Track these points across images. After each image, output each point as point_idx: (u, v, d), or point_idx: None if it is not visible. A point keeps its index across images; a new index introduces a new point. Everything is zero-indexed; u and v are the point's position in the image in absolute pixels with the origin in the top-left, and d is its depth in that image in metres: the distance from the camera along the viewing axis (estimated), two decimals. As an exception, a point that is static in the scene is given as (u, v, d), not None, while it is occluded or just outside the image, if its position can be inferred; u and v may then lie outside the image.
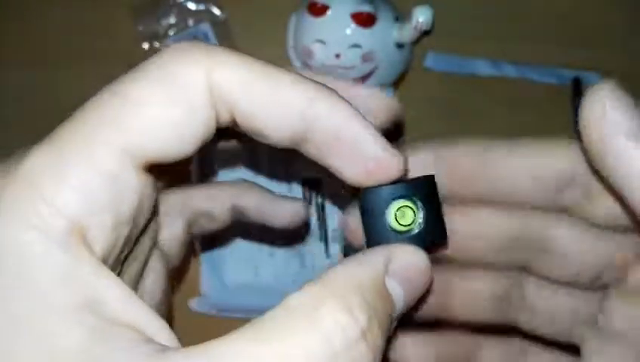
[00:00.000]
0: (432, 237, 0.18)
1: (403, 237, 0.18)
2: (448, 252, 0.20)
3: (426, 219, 0.18)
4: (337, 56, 0.37)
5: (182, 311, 0.42)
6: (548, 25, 0.43)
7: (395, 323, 0.17)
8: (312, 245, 0.41)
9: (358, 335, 0.14)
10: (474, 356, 0.22)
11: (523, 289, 0.21)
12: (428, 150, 0.19)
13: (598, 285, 0.20)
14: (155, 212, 0.20)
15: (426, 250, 0.18)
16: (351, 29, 0.37)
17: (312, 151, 0.17)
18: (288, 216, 0.25)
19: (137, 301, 0.15)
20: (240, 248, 0.41)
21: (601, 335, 0.20)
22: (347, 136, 0.17)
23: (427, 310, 0.21)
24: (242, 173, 0.41)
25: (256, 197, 0.25)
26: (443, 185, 0.19)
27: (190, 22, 0.43)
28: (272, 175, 0.41)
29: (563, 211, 0.19)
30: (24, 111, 0.43)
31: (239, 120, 0.17)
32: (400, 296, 0.16)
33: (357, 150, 0.17)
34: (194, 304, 0.42)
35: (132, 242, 0.17)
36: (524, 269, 0.21)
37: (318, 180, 0.40)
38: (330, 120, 0.17)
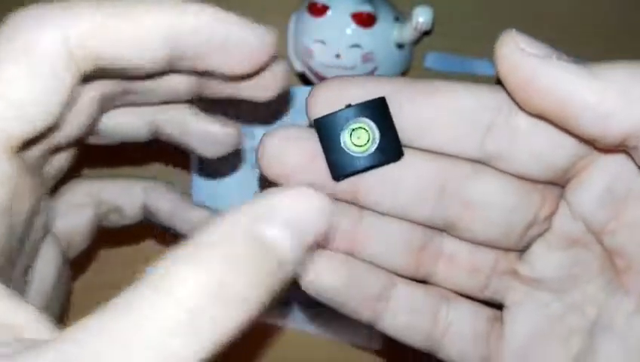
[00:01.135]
0: (387, 156, 0.19)
1: (360, 157, 0.19)
2: (361, 199, 0.19)
3: (381, 138, 0.19)
4: (337, 56, 0.37)
5: (182, 311, 0.42)
6: (548, 25, 0.43)
7: (291, 268, 0.15)
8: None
9: (215, 294, 0.14)
10: (386, 293, 0.20)
11: (442, 241, 0.20)
12: (358, 84, 0.19)
13: (523, 244, 0.20)
14: (42, 197, 0.19)
15: (382, 166, 0.19)
16: (351, 29, 0.37)
17: (188, 64, 0.18)
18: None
19: (7, 297, 0.14)
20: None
21: (526, 283, 0.20)
22: (215, 40, 0.18)
23: (338, 246, 0.20)
24: (242, 170, 0.41)
25: (170, 202, 0.24)
26: None
27: (190, 22, 0.43)
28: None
29: (485, 162, 0.19)
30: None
31: (107, 65, 0.17)
32: (286, 243, 0.15)
33: (229, 47, 0.18)
34: (194, 304, 0.42)
35: (16, 230, 0.17)
36: (444, 231, 0.20)
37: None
38: (193, 35, 0.17)
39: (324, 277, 0.20)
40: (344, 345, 0.42)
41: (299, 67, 0.40)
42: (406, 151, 0.19)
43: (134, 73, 0.18)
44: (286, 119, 0.41)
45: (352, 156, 0.19)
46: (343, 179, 0.19)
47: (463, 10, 0.43)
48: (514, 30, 0.18)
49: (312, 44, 0.38)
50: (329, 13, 0.37)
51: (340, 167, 0.19)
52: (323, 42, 0.37)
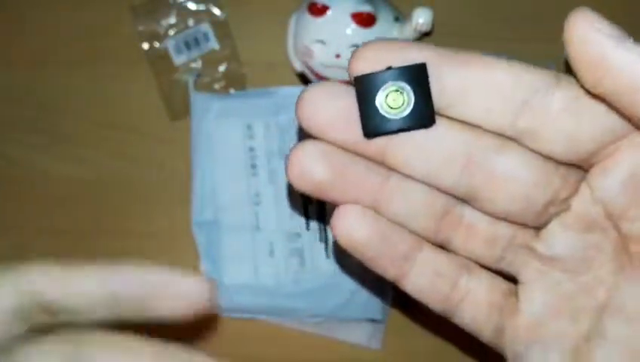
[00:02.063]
0: (420, 121, 0.19)
1: (393, 119, 0.19)
2: (389, 158, 0.20)
3: (415, 103, 0.19)
4: (337, 56, 0.37)
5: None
6: (548, 25, 0.43)
7: None
8: (312, 245, 0.41)
9: None
10: (413, 255, 0.21)
11: (463, 210, 0.21)
12: (402, 48, 0.19)
13: (541, 221, 0.21)
14: None
15: (414, 130, 0.19)
16: (351, 29, 0.37)
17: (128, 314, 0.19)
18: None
19: None
20: (240, 248, 0.41)
21: (541, 260, 0.21)
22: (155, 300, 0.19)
23: (363, 201, 0.20)
24: (242, 170, 0.41)
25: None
26: None
27: (190, 22, 0.43)
28: (272, 174, 0.41)
29: (514, 138, 0.20)
30: (23, 111, 0.43)
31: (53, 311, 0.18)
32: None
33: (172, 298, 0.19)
34: (194, 304, 0.42)
35: None
36: (466, 202, 0.21)
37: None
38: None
39: (357, 231, 0.20)
40: (344, 345, 0.42)
41: (299, 67, 0.40)
42: (439, 119, 0.19)
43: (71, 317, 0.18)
44: (284, 117, 0.41)
45: (386, 117, 0.19)
46: (373, 137, 0.19)
47: (463, 10, 0.43)
48: (586, 8, 0.18)
49: (312, 44, 0.38)
50: (329, 13, 0.37)
51: (372, 126, 0.19)
52: (323, 42, 0.37)
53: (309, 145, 0.20)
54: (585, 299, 0.20)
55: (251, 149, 0.41)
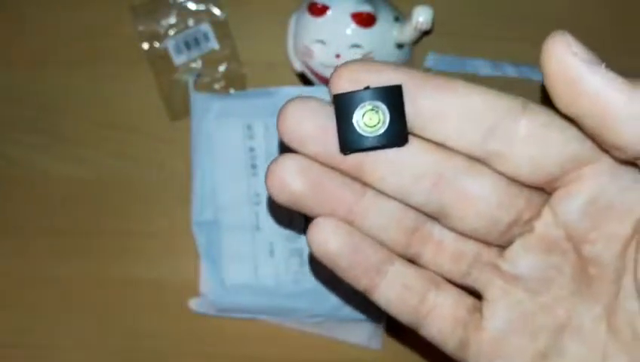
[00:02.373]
0: (394, 140, 0.20)
1: (368, 137, 0.20)
2: (365, 175, 0.21)
3: (390, 122, 0.20)
4: (337, 56, 0.37)
5: (182, 311, 0.42)
6: (548, 25, 0.43)
7: None
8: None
9: None
10: (384, 268, 0.22)
11: (433, 226, 0.22)
12: (379, 69, 0.20)
13: (505, 240, 0.22)
14: None
15: (387, 148, 0.20)
16: (351, 29, 0.37)
17: None
18: None
19: None
20: (240, 248, 0.41)
21: (506, 279, 0.22)
22: None
23: (338, 214, 0.21)
24: (242, 170, 0.41)
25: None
26: None
27: (190, 22, 0.43)
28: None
29: (482, 160, 0.21)
30: (23, 110, 0.43)
31: None
32: None
33: None
34: (194, 304, 0.42)
35: None
36: (435, 219, 0.22)
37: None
38: None
39: (331, 243, 0.22)
40: (344, 345, 0.42)
41: (299, 67, 0.40)
42: (412, 138, 0.21)
43: None
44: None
45: (362, 135, 0.20)
46: (349, 153, 0.20)
47: (463, 10, 0.43)
48: (566, 32, 0.19)
49: (312, 44, 0.38)
50: (329, 13, 0.37)
51: (348, 143, 0.20)
52: (323, 42, 0.37)
53: (288, 159, 0.21)
54: (544, 317, 0.21)
55: (251, 149, 0.41)
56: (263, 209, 0.41)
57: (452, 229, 0.22)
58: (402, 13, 0.39)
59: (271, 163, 0.21)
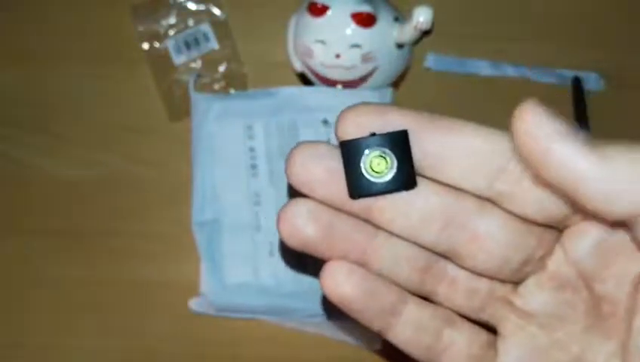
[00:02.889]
0: (402, 184, 0.20)
1: (376, 183, 0.20)
2: (376, 217, 0.21)
3: (398, 167, 0.20)
4: (337, 56, 0.37)
5: (182, 311, 0.42)
6: (548, 25, 0.43)
7: None
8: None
9: None
10: (399, 308, 0.22)
11: (446, 264, 0.22)
12: (384, 114, 0.21)
13: (517, 278, 0.22)
14: None
15: (396, 192, 0.20)
16: (351, 29, 0.37)
17: None
18: None
19: None
20: (240, 248, 0.41)
21: (520, 315, 0.22)
22: None
23: (350, 257, 0.22)
24: (242, 170, 0.41)
25: None
26: None
27: (190, 22, 0.43)
28: (272, 175, 0.41)
29: (492, 200, 0.21)
30: (23, 110, 0.43)
31: None
32: None
33: None
34: (194, 304, 0.42)
35: None
36: (447, 258, 0.22)
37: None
38: None
39: (345, 288, 0.22)
40: (344, 345, 0.42)
41: (299, 67, 0.40)
42: (420, 180, 0.21)
43: None
44: (284, 117, 0.41)
45: (370, 180, 0.20)
46: (358, 198, 0.21)
47: (462, 11, 0.43)
48: (535, 101, 0.19)
49: (312, 44, 0.38)
50: (329, 13, 0.37)
51: (357, 189, 0.20)
52: (323, 42, 0.37)
53: (298, 204, 0.21)
54: (559, 353, 0.22)
55: (251, 149, 0.41)
56: (263, 209, 0.41)
57: (464, 268, 0.22)
58: (402, 14, 0.39)
59: (282, 208, 0.21)
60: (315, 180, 0.21)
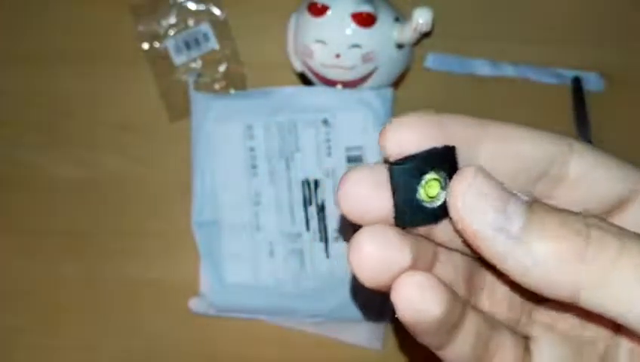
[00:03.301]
0: None
1: (428, 210, 0.18)
2: (437, 236, 0.20)
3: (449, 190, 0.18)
4: (337, 56, 0.37)
5: (182, 311, 0.42)
6: (548, 25, 0.43)
7: None
8: (312, 245, 0.41)
9: None
10: (460, 322, 0.21)
11: (484, 274, 0.22)
12: (430, 119, 0.19)
13: None
14: None
15: (445, 218, 0.18)
16: (351, 29, 0.37)
17: None
18: None
19: None
20: (240, 248, 0.41)
21: (550, 315, 0.22)
22: None
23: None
24: (242, 170, 0.41)
25: None
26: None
27: (190, 22, 0.43)
28: (272, 175, 0.41)
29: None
30: (23, 110, 0.43)
31: None
32: None
33: None
34: (194, 304, 0.42)
35: None
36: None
37: (318, 180, 0.40)
38: None
39: (429, 306, 0.19)
40: (344, 345, 0.42)
41: (299, 67, 0.40)
42: None
43: None
44: (284, 117, 0.41)
45: (421, 206, 0.18)
46: (408, 227, 0.19)
47: (463, 11, 0.43)
48: (474, 170, 0.18)
49: (312, 44, 0.38)
50: (329, 13, 0.37)
51: (407, 218, 0.18)
52: (323, 42, 0.37)
53: (366, 231, 0.19)
54: (590, 352, 0.22)
55: (251, 149, 0.41)
56: (263, 209, 0.41)
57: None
58: (402, 14, 0.39)
59: (352, 241, 0.18)
60: (369, 214, 0.19)
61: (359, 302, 0.40)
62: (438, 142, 0.18)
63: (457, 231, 0.19)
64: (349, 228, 0.40)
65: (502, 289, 0.22)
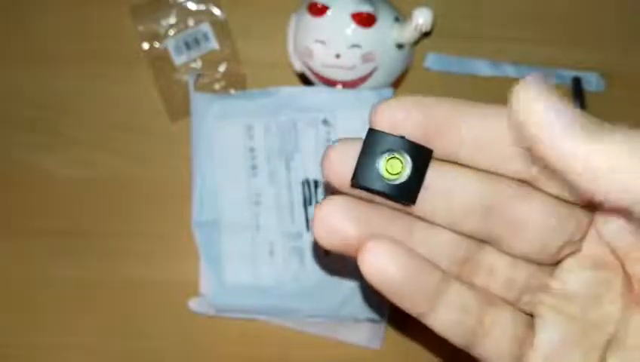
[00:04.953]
0: (405, 196, 0.20)
1: (382, 181, 0.20)
2: (416, 208, 0.21)
3: (409, 178, 0.20)
4: (337, 56, 0.37)
5: (182, 311, 0.42)
6: (548, 25, 0.43)
7: None
8: (312, 244, 0.41)
9: None
10: (441, 290, 0.21)
11: (483, 255, 0.22)
12: (417, 101, 0.20)
13: (555, 260, 0.22)
14: None
15: (394, 200, 0.20)
16: (351, 29, 0.37)
17: None
18: None
19: None
20: (240, 248, 0.41)
21: (557, 297, 0.22)
22: None
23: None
24: (242, 170, 0.41)
25: None
26: (418, 138, 0.20)
27: (190, 22, 0.43)
28: (272, 175, 0.41)
29: (529, 182, 0.21)
30: (23, 110, 0.43)
31: None
32: None
33: None
34: (194, 304, 0.42)
35: None
36: (487, 242, 0.22)
37: (317, 180, 0.40)
38: None
39: (390, 267, 0.20)
40: (344, 345, 0.42)
41: (299, 67, 0.40)
42: (459, 168, 0.21)
43: None
44: (284, 117, 0.41)
45: (379, 176, 0.20)
46: (358, 188, 0.20)
47: (463, 11, 0.43)
48: (533, 78, 0.19)
49: (312, 44, 0.38)
50: (329, 13, 0.37)
51: (363, 178, 0.20)
52: (323, 42, 0.37)
53: (334, 202, 0.20)
54: (596, 334, 0.21)
55: (251, 150, 0.41)
56: (263, 209, 0.41)
57: (504, 253, 0.22)
58: (402, 14, 0.39)
59: (316, 207, 0.20)
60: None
61: (359, 301, 0.40)
62: (418, 123, 0.20)
63: (521, 140, 0.19)
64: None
65: (502, 270, 0.22)
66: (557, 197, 0.21)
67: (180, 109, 0.43)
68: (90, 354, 0.43)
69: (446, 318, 0.21)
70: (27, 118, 0.43)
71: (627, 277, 0.21)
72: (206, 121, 0.41)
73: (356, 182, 0.20)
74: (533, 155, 0.19)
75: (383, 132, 0.20)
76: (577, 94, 0.42)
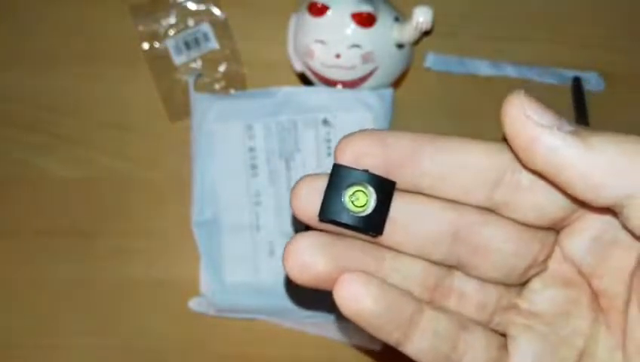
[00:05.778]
0: (371, 227, 0.21)
1: (349, 214, 0.21)
2: (385, 239, 0.21)
3: (375, 210, 0.21)
4: (337, 56, 0.37)
5: (182, 311, 0.42)
6: (548, 25, 0.43)
7: None
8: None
9: None
10: (415, 319, 0.22)
11: (453, 279, 0.22)
12: (376, 136, 0.21)
13: (522, 281, 0.23)
14: None
15: (361, 232, 0.21)
16: (351, 29, 0.37)
17: None
18: None
19: None
20: (240, 248, 0.41)
21: (525, 316, 0.23)
22: None
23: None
24: (242, 170, 0.41)
25: None
26: (381, 171, 0.21)
27: (190, 22, 0.43)
28: (272, 175, 0.41)
29: (491, 210, 0.21)
30: (23, 110, 0.43)
31: None
32: None
33: None
34: (194, 304, 0.42)
35: None
36: (455, 268, 0.22)
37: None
38: None
39: (366, 301, 0.21)
40: (344, 345, 0.42)
41: (299, 67, 0.40)
42: (425, 198, 0.21)
43: None
44: (284, 117, 0.41)
45: (345, 209, 0.21)
46: (326, 222, 0.21)
47: (463, 10, 0.43)
48: (522, 93, 0.20)
49: (312, 44, 0.38)
50: (329, 13, 0.37)
51: (329, 211, 0.21)
52: (323, 42, 0.37)
53: (304, 239, 0.21)
54: (568, 350, 0.22)
55: (251, 149, 0.41)
56: (263, 209, 0.41)
57: (473, 277, 0.22)
58: (402, 14, 0.39)
59: (287, 244, 0.21)
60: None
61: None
62: (379, 158, 0.21)
63: (517, 147, 0.20)
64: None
65: (472, 293, 0.23)
66: (519, 222, 0.21)
67: (180, 109, 0.43)
68: (90, 354, 0.43)
69: (420, 346, 0.22)
70: (27, 118, 0.43)
71: (594, 294, 0.22)
72: (206, 121, 0.41)
73: (323, 216, 0.20)
74: (525, 163, 0.20)
75: (347, 166, 0.20)
76: (577, 94, 0.42)
